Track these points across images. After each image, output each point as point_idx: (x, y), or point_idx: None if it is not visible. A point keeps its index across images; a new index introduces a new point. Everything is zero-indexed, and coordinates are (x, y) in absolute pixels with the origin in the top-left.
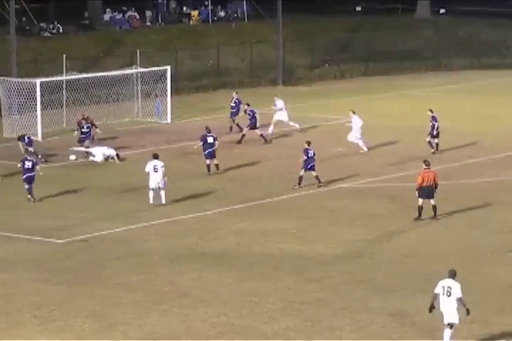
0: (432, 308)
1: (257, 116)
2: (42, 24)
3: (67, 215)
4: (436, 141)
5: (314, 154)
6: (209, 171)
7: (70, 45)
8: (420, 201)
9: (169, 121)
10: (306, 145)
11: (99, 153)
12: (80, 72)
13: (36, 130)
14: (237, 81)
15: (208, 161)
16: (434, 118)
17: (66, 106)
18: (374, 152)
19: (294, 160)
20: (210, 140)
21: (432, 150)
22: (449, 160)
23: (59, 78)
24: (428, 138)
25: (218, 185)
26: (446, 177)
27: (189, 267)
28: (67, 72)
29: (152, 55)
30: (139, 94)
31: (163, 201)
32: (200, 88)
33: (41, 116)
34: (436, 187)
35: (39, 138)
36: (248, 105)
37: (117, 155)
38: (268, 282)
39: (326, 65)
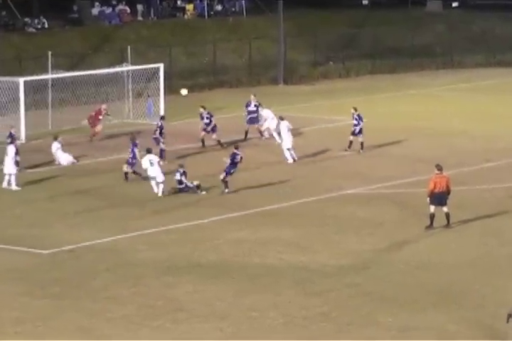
0: (509, 317)
1: (213, 120)
2: (26, 19)
3: (53, 223)
4: (351, 138)
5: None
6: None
7: (56, 42)
8: (432, 208)
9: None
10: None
11: (63, 157)
12: (67, 70)
13: (19, 132)
14: (235, 79)
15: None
16: (359, 117)
17: (51, 107)
18: (382, 156)
19: (295, 166)
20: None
21: (345, 149)
22: (463, 165)
23: (44, 77)
24: (361, 139)
25: (214, 191)
26: (459, 183)
27: (184, 279)
28: (52, 70)
29: (144, 51)
30: (130, 93)
31: (160, 193)
32: (195, 87)
33: (25, 117)
34: (448, 193)
35: (22, 140)
36: (204, 108)
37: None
38: (268, 295)
39: (330, 63)
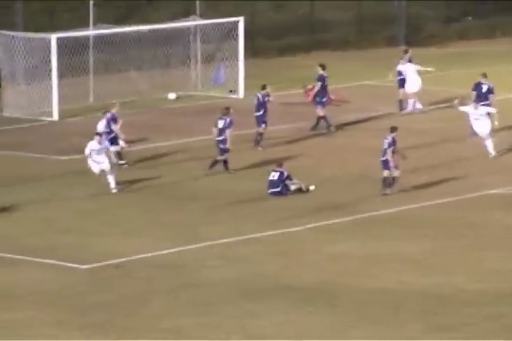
0: None
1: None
2: None
3: (95, 230)
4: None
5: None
6: None
7: None
8: None
9: (241, 95)
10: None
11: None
12: (114, 24)
13: (50, 107)
14: (339, 39)
15: None
16: (479, 87)
17: (94, 73)
18: None
19: (419, 156)
20: None
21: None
22: None
23: (83, 33)
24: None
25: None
26: None
27: (269, 306)
28: (95, 24)
29: (218, 1)
30: (199, 56)
31: None
32: (285, 49)
33: (58, 86)
34: None
35: (55, 117)
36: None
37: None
38: (382, 329)
39: (469, 18)
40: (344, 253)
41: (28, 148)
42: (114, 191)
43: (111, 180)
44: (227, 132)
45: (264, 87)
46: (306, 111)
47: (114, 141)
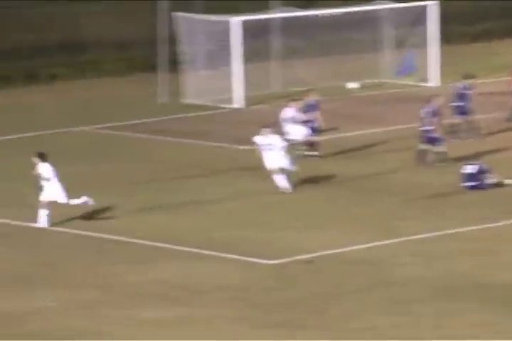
0: None
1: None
2: None
3: (283, 222)
4: None
5: None
6: None
7: None
8: None
9: (436, 83)
10: None
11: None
12: (299, 7)
13: (230, 93)
14: None
15: None
16: None
17: (277, 59)
18: None
19: None
20: None
21: None
22: None
23: (268, 16)
24: None
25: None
26: None
27: (464, 306)
28: (276, 7)
29: None
30: (389, 42)
31: None
32: (479, 35)
33: (241, 72)
34: None
35: (237, 104)
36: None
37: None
38: None
39: None
40: None
41: (208, 137)
42: (284, 191)
43: (287, 178)
44: (432, 121)
45: (467, 77)
46: (504, 100)
47: (313, 131)
